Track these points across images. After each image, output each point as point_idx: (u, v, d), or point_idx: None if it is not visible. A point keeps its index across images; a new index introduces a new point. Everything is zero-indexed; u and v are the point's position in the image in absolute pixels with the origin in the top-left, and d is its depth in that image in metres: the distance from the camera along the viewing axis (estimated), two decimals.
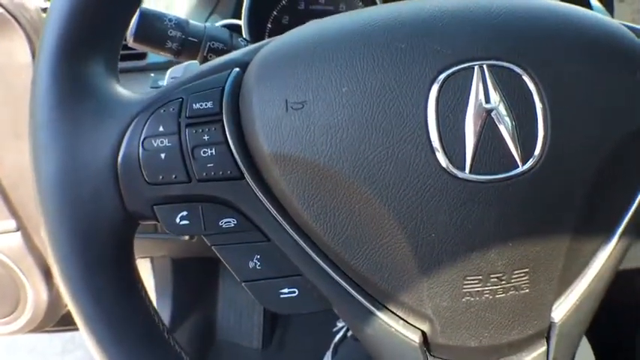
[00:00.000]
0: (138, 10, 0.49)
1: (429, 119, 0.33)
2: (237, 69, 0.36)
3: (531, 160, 0.33)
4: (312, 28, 0.36)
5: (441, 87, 0.33)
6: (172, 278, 1.08)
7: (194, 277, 1.15)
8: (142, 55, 0.72)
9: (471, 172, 0.33)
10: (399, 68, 0.33)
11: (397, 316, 0.36)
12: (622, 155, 0.36)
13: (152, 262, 1.05)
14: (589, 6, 0.82)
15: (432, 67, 0.33)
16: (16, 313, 0.84)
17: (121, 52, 0.38)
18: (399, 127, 0.33)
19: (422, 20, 0.35)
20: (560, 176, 0.35)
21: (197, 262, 1.12)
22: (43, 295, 0.82)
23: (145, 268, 1.04)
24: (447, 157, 0.33)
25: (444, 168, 0.32)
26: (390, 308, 0.36)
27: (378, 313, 0.36)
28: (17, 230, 0.79)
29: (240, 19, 0.71)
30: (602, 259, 0.38)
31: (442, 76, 0.33)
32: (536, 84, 0.34)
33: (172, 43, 0.52)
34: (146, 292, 0.38)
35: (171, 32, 0.52)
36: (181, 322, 1.09)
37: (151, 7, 0.54)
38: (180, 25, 0.52)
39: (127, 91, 0.37)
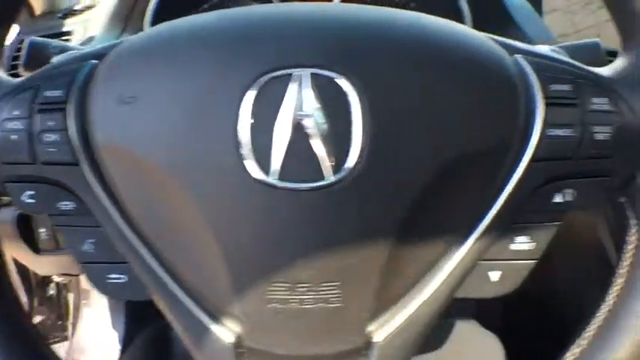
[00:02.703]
0: (28, 40, 0.50)
1: (240, 124, 0.33)
2: (95, 61, 0.37)
3: (343, 172, 0.33)
4: (166, 25, 0.38)
5: (258, 92, 0.33)
6: None
7: None
8: None
9: (278, 179, 0.33)
10: (220, 71, 0.34)
11: (212, 314, 0.37)
12: (452, 178, 0.35)
13: None
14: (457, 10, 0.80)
15: (250, 72, 0.33)
16: None
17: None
18: (211, 130, 0.33)
19: (252, 24, 0.35)
20: (376, 193, 0.34)
21: None
22: None
23: None
24: (256, 162, 0.33)
25: (252, 174, 0.33)
26: (205, 306, 0.37)
27: (194, 311, 0.37)
28: None
29: None
30: (435, 283, 0.37)
31: (260, 81, 0.33)
32: (358, 96, 0.33)
33: None
34: (10, 283, 0.40)
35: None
36: (136, 334, 1.09)
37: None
38: (64, 51, 0.53)
39: (4, 74, 0.39)
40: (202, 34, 0.36)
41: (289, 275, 0.35)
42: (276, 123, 0.33)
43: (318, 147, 0.33)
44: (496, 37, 0.40)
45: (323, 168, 0.33)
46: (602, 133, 0.37)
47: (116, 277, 0.38)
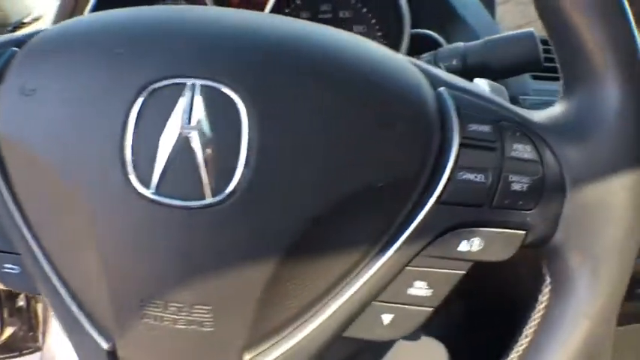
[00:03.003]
0: None
1: (127, 131, 0.32)
2: (15, 48, 0.37)
3: (223, 194, 0.31)
4: (84, 18, 0.37)
5: (146, 99, 0.32)
6: None
7: None
8: None
9: (156, 193, 0.32)
10: (113, 74, 0.33)
11: (91, 319, 0.36)
12: (345, 211, 0.33)
13: None
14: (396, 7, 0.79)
15: (141, 78, 0.32)
16: None
17: None
18: (98, 134, 0.32)
19: (153, 27, 0.34)
20: (256, 219, 0.32)
21: None
22: None
23: None
24: (136, 172, 0.32)
25: (131, 183, 0.32)
26: (86, 310, 0.36)
27: (76, 312, 0.36)
28: None
29: None
30: (320, 319, 0.35)
31: (150, 89, 0.32)
32: (250, 115, 0.31)
33: None
34: None
35: None
36: None
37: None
38: None
39: None
40: (105, 32, 0.35)
41: (162, 293, 0.33)
42: (163, 135, 0.31)
43: (202, 164, 0.31)
44: (426, 65, 0.37)
45: (204, 187, 0.31)
46: (519, 182, 0.34)
47: (10, 268, 0.37)
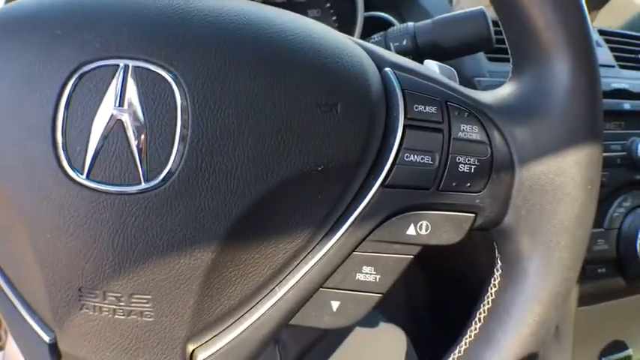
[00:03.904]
0: None
1: (58, 114, 0.30)
2: None
3: (156, 179, 0.30)
4: (15, 3, 0.35)
5: (78, 82, 0.30)
6: None
7: None
8: None
9: (88, 177, 0.30)
10: (46, 55, 0.31)
11: (31, 311, 0.35)
12: (286, 196, 0.32)
13: None
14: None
15: (75, 59, 0.31)
16: None
17: None
18: (29, 117, 0.31)
19: (91, 8, 0.32)
20: (193, 205, 0.31)
21: None
22: None
23: None
24: (68, 155, 0.30)
25: (63, 167, 0.31)
26: (26, 301, 0.35)
27: (16, 304, 0.35)
28: None
29: None
30: (264, 308, 0.34)
31: (83, 70, 0.31)
32: (184, 97, 0.30)
33: None
34: None
35: None
36: None
37: None
38: None
39: None
40: (45, 12, 0.33)
41: (99, 283, 0.32)
42: (95, 118, 0.30)
43: (135, 148, 0.30)
44: (372, 46, 0.36)
45: (138, 171, 0.30)
46: (467, 164, 0.33)
47: None
